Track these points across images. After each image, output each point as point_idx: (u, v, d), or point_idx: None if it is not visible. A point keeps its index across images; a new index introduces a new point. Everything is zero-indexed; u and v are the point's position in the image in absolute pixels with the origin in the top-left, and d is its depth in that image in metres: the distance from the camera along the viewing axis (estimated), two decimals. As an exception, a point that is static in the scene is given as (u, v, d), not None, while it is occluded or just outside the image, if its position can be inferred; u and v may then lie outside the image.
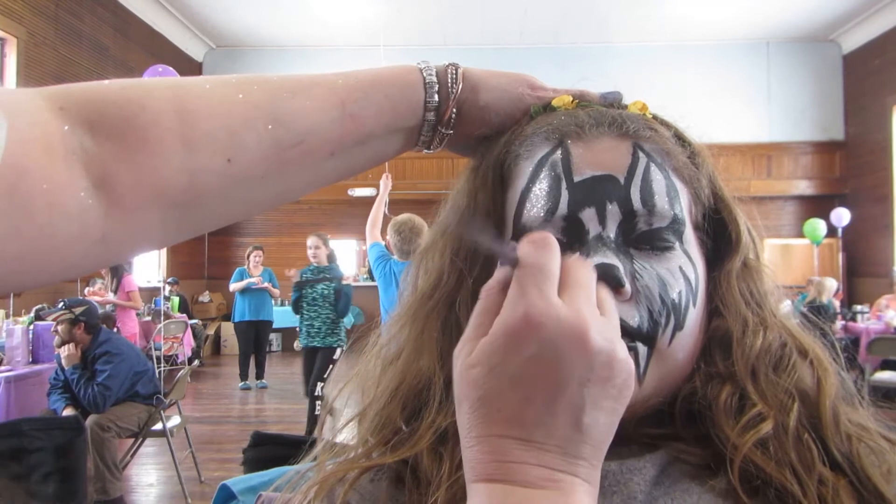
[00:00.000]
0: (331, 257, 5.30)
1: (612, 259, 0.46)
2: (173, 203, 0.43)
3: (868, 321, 6.72)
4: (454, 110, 0.54)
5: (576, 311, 0.36)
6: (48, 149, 0.38)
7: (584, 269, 0.40)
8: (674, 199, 0.50)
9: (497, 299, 0.38)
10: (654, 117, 0.56)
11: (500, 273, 0.40)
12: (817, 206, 9.75)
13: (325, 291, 5.13)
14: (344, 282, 5.21)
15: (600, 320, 0.37)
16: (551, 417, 0.35)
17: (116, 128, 0.41)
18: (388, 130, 0.53)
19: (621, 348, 0.37)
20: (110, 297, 6.43)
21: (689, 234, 0.51)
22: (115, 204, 0.40)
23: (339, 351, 5.13)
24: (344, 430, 0.55)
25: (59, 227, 0.38)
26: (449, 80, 0.54)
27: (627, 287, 0.46)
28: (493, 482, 0.35)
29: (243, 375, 7.31)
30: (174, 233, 0.46)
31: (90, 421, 3.45)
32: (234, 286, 7.28)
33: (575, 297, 0.37)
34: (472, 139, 0.58)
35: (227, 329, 10.03)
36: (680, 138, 0.55)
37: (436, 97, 0.53)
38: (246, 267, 7.40)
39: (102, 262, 0.43)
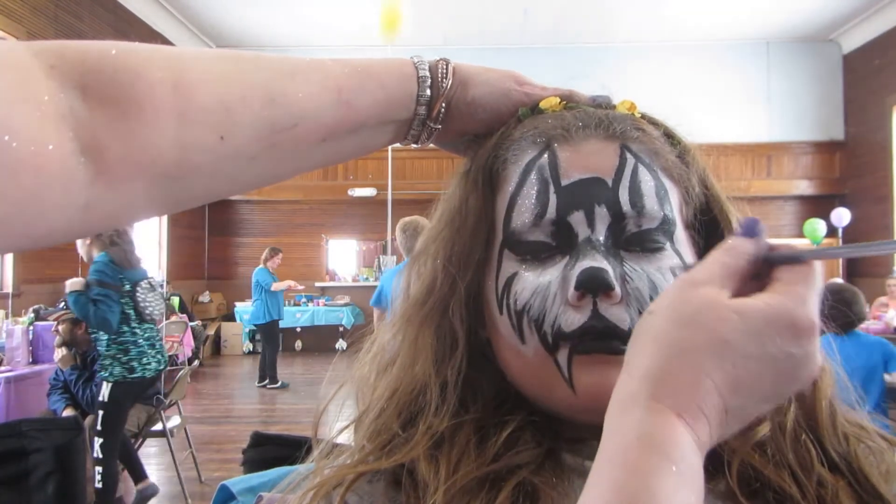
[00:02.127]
0: (112, 247, 3.42)
1: (601, 262, 0.46)
2: (161, 176, 0.42)
3: (868, 321, 6.71)
4: (443, 105, 0.54)
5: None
6: (37, 109, 0.36)
7: None
8: (663, 200, 0.50)
9: (745, 268, 0.38)
10: (643, 116, 0.56)
11: (753, 245, 0.39)
12: (817, 206, 9.74)
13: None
14: (69, 288, 3.31)
15: None
16: (754, 405, 0.36)
17: (110, 94, 0.39)
18: (381, 121, 0.53)
19: None
20: None
21: (681, 233, 0.51)
22: (102, 172, 0.39)
23: (106, 387, 3.33)
24: (341, 434, 0.55)
25: (45, 191, 0.37)
26: (440, 75, 0.54)
27: (617, 290, 0.46)
28: (683, 421, 0.34)
29: (274, 378, 7.34)
30: (157, 206, 0.45)
31: (90, 421, 3.45)
32: (277, 286, 7.45)
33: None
34: (460, 136, 0.58)
35: (228, 329, 10.03)
36: (669, 137, 0.55)
37: (427, 91, 0.54)
38: (268, 268, 7.57)
39: (84, 230, 0.43)
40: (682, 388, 0.34)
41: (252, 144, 0.46)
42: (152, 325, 3.62)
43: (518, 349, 0.49)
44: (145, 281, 3.56)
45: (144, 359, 3.48)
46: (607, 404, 0.45)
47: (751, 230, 0.40)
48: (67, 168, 0.38)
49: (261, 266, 7.55)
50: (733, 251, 0.39)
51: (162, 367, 3.66)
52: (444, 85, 0.54)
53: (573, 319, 0.47)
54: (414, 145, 0.58)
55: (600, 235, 0.48)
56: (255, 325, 7.53)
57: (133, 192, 0.42)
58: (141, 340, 3.49)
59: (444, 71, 0.54)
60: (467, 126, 0.57)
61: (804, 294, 0.36)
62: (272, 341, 7.50)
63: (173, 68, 0.42)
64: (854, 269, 9.45)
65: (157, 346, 3.64)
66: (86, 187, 0.39)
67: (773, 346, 0.35)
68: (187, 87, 0.42)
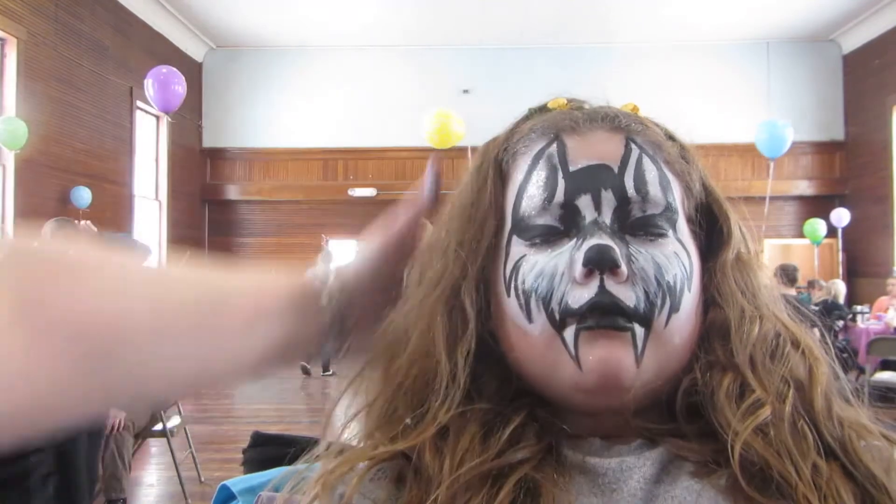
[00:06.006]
0: None
1: (607, 241, 0.48)
2: None
3: (868, 321, 6.72)
4: (342, 319, 0.55)
5: None
6: None
7: None
8: (666, 188, 0.51)
9: None
10: (646, 118, 0.57)
11: None
12: (817, 206, 9.75)
13: None
14: None
15: None
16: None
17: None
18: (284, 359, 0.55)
19: None
20: None
21: (682, 224, 0.52)
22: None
23: None
24: (348, 428, 0.55)
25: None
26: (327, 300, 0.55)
27: (623, 268, 0.47)
28: None
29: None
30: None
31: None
32: None
33: None
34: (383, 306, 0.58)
35: (227, 329, 10.03)
36: (670, 137, 0.57)
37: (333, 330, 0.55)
38: None
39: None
40: None
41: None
42: None
43: (525, 329, 0.50)
44: None
45: None
46: (612, 382, 0.47)
47: None
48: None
49: None
50: None
51: None
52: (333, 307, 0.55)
53: (580, 296, 0.48)
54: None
55: (606, 218, 0.50)
56: None
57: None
58: None
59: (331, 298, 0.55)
60: (383, 300, 0.57)
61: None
62: None
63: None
64: (854, 270, 9.46)
65: None
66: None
67: None
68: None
